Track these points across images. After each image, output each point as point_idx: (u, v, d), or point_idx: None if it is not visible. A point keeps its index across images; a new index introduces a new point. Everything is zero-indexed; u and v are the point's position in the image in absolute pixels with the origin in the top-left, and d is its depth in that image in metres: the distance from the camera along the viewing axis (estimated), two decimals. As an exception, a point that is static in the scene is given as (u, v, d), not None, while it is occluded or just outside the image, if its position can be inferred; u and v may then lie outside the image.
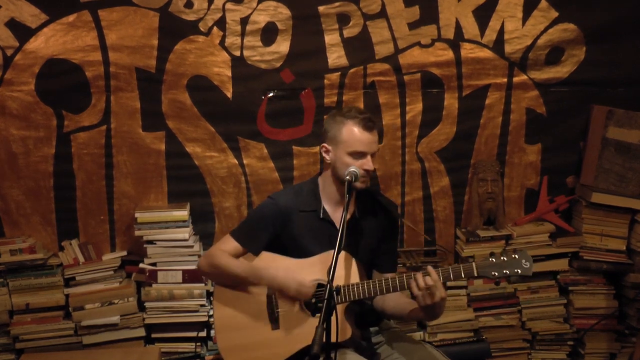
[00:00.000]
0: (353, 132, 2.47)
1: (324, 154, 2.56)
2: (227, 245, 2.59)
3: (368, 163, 2.47)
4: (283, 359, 2.48)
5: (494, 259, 2.31)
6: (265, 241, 2.58)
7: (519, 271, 2.29)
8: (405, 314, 2.51)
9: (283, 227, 2.57)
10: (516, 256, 2.30)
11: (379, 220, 2.65)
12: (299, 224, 2.57)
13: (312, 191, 2.63)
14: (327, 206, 2.59)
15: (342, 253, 2.46)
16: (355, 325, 2.51)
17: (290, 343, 2.47)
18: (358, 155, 2.47)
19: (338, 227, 2.39)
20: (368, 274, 2.63)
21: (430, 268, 2.31)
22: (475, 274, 2.32)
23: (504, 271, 2.29)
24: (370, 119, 2.50)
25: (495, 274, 2.30)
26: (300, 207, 2.59)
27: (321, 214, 2.57)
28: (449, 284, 3.33)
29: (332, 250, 2.23)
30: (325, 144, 2.55)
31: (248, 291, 2.56)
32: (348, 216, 2.57)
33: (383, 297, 2.56)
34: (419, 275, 2.31)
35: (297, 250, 2.55)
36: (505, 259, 2.30)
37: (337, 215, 2.57)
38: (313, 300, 2.46)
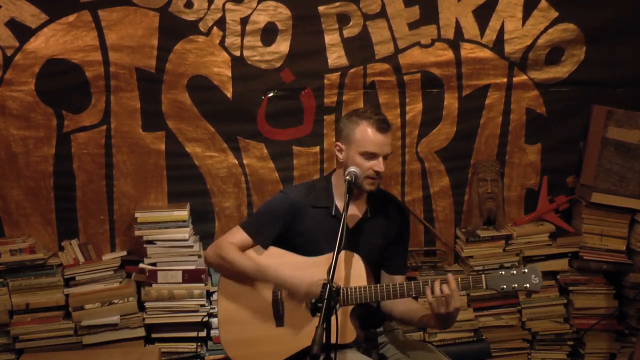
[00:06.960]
0: (366, 133, 2.46)
1: (337, 153, 2.56)
2: (236, 237, 2.58)
3: (379, 164, 2.46)
4: (285, 357, 2.47)
5: (503, 272, 2.32)
6: (275, 234, 2.56)
7: (528, 286, 2.29)
8: (415, 319, 2.50)
9: (293, 222, 2.56)
10: (525, 271, 2.30)
11: (391, 221, 2.63)
12: (310, 220, 2.56)
13: (325, 188, 2.62)
14: (339, 204, 2.57)
15: (352, 254, 2.46)
16: (360, 326, 2.50)
17: (294, 341, 2.47)
18: (369, 156, 2.46)
19: (350, 226, 2.37)
20: (376, 274, 2.62)
21: (450, 276, 2.29)
22: (484, 287, 2.32)
23: (513, 285, 2.30)
24: (385, 121, 2.49)
25: (504, 287, 2.30)
26: (313, 203, 2.58)
27: (333, 212, 2.56)
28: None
29: (341, 250, 2.23)
30: (338, 143, 2.55)
31: (254, 285, 2.55)
32: (360, 215, 2.59)
33: (392, 300, 2.54)
34: (437, 283, 2.29)
35: (305, 246, 2.54)
36: (515, 272, 2.31)
37: (349, 213, 2.55)
38: (313, 301, 2.46)
